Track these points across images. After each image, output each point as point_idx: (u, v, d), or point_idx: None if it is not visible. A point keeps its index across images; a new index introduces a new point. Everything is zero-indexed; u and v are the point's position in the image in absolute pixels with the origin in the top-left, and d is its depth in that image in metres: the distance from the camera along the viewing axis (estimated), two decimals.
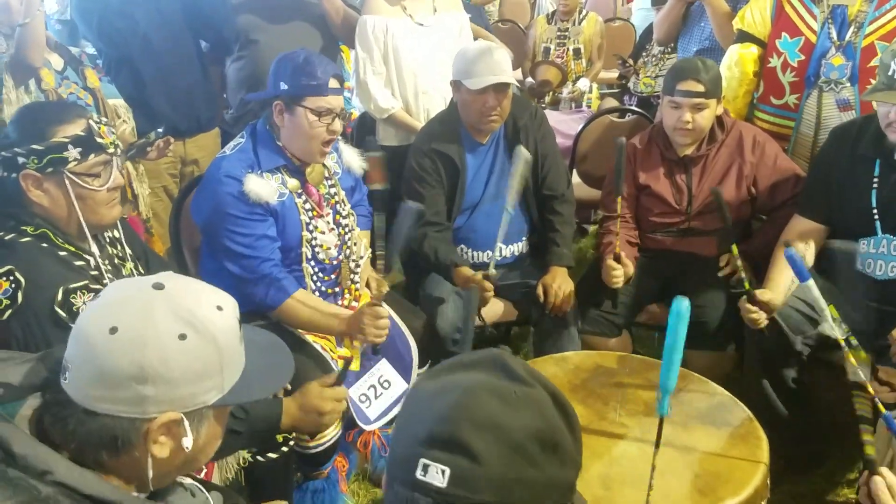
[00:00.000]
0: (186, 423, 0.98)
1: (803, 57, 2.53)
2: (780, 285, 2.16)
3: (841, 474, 2.27)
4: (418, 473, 0.77)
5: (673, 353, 1.38)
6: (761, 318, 2.11)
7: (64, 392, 0.95)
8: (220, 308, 1.02)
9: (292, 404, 1.67)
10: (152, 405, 0.95)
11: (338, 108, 2.06)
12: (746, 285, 2.12)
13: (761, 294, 2.10)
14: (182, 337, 0.96)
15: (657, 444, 1.43)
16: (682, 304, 1.37)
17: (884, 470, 1.41)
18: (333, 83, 2.04)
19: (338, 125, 2.07)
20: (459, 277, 2.39)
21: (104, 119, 1.61)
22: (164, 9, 2.78)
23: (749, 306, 2.11)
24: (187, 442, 0.99)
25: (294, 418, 1.66)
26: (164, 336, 0.95)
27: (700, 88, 2.34)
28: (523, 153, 2.28)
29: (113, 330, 0.94)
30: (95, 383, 0.94)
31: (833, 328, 1.68)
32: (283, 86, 2.02)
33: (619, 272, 2.36)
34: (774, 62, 2.61)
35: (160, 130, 2.54)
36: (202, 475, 1.72)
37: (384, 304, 2.29)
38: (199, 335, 0.97)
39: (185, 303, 0.98)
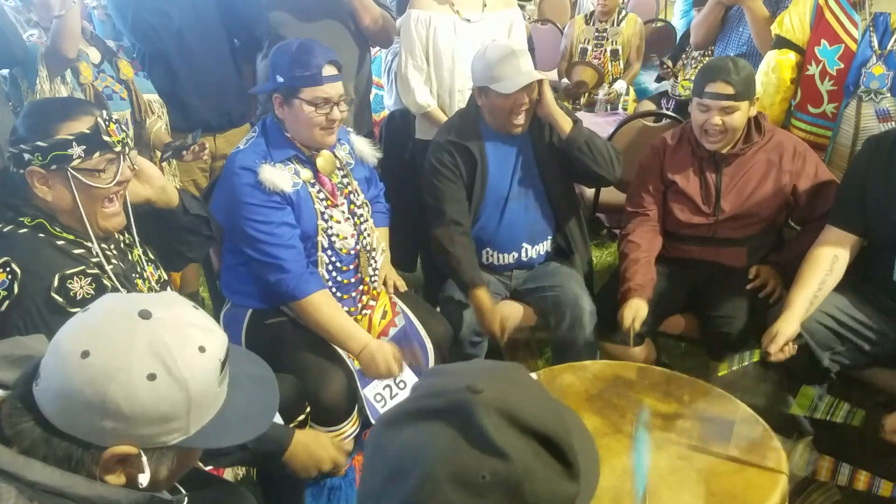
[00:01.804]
0: (144, 458, 0.96)
1: (843, 65, 2.45)
2: (798, 307, 2.11)
3: (868, 494, 2.20)
4: None
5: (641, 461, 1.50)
6: (788, 350, 2.07)
7: (32, 395, 0.94)
8: (202, 349, 0.98)
9: (301, 442, 1.69)
10: (110, 437, 0.93)
11: (335, 96, 2.06)
12: (756, 356, 2.08)
13: (775, 344, 2.06)
14: (152, 377, 0.93)
15: None
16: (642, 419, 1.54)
17: None
18: (329, 70, 2.04)
19: (336, 113, 2.07)
20: (474, 301, 2.37)
21: (115, 116, 1.60)
22: (199, 7, 2.81)
23: (771, 358, 2.07)
24: (143, 478, 0.96)
25: (295, 454, 1.67)
26: (133, 373, 0.92)
27: (730, 91, 2.28)
28: None
29: (85, 354, 0.92)
30: (59, 401, 0.92)
31: None
32: (280, 78, 2.04)
33: (637, 325, 2.32)
34: (813, 70, 2.54)
35: (198, 132, 2.57)
36: (209, 469, 1.74)
37: (401, 306, 2.30)
38: (171, 378, 0.94)
39: (165, 339, 0.95)
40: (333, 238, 2.18)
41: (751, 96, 2.35)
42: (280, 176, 2.06)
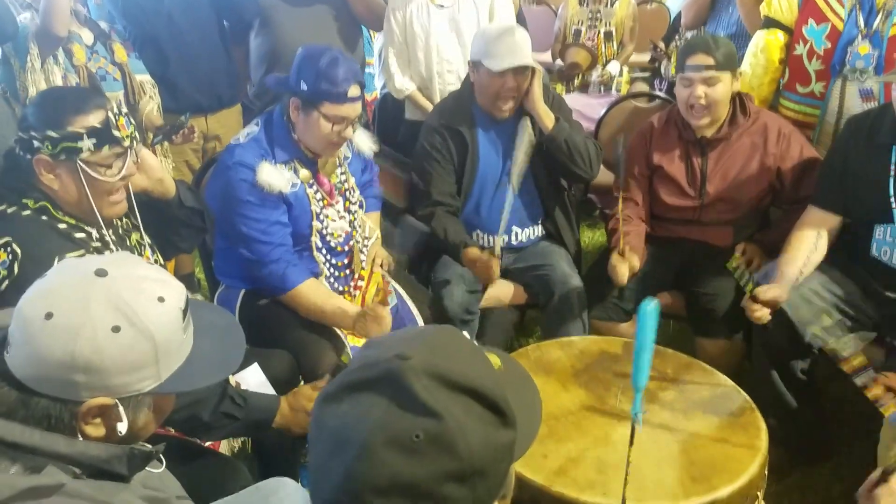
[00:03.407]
0: (121, 408, 0.99)
1: (829, 44, 2.48)
2: (788, 278, 2.14)
3: (848, 468, 2.25)
4: None
5: (642, 353, 1.38)
6: (765, 315, 2.11)
7: (5, 363, 0.97)
8: (161, 300, 1.01)
9: (285, 403, 1.73)
10: (84, 391, 0.96)
11: (353, 116, 2.06)
12: (749, 286, 2.12)
13: (764, 294, 2.10)
14: (116, 329, 0.96)
15: (630, 442, 1.41)
16: (648, 306, 1.37)
17: None
18: (354, 91, 2.03)
19: (349, 132, 2.09)
20: (467, 258, 2.40)
21: (124, 110, 1.62)
22: None
23: (753, 305, 2.11)
24: (122, 427, 0.99)
25: (285, 417, 1.71)
26: (97, 327, 0.95)
27: (710, 61, 2.30)
28: (527, 127, 2.27)
29: (48, 316, 0.94)
30: (30, 364, 0.95)
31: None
32: (303, 85, 2.02)
33: (624, 269, 2.35)
34: (800, 49, 2.57)
35: (187, 115, 2.60)
36: (209, 445, 1.78)
37: (393, 284, 2.34)
38: (134, 328, 0.97)
39: (124, 293, 0.98)
40: (328, 237, 2.21)
41: (733, 68, 2.36)
42: (278, 177, 2.06)
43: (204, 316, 1.12)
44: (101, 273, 0.98)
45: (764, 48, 2.65)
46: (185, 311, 1.05)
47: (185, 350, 1.06)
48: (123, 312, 0.97)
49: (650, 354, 1.39)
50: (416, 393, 0.74)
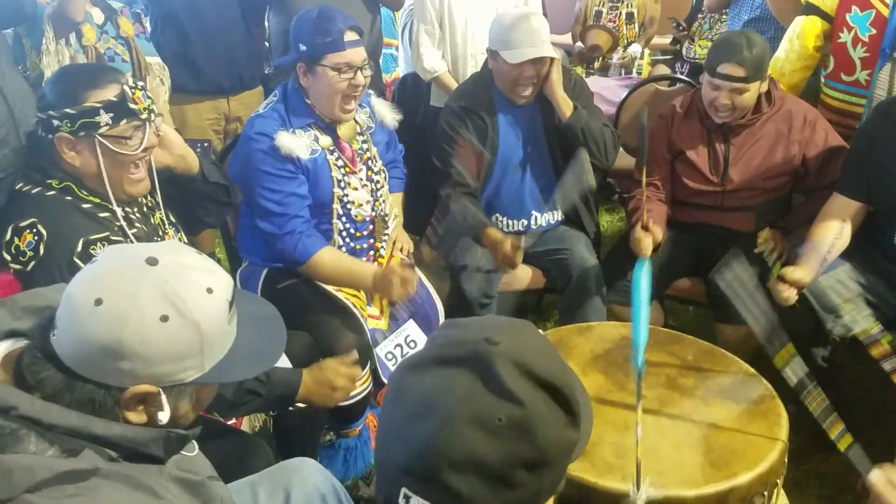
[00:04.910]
0: (164, 397, 1.00)
1: (875, 31, 2.42)
2: (812, 264, 2.13)
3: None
4: (401, 500, 0.77)
5: (639, 311, 1.49)
6: (792, 295, 2.10)
7: (51, 345, 0.98)
8: (210, 291, 1.01)
9: (308, 376, 1.73)
10: (129, 377, 0.97)
11: (358, 61, 2.07)
12: (777, 267, 2.12)
13: (791, 273, 2.09)
14: (164, 319, 0.96)
15: (637, 400, 1.45)
16: (641, 268, 1.50)
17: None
18: (350, 36, 2.05)
19: (360, 79, 2.09)
20: (488, 239, 2.40)
21: (140, 83, 1.64)
22: None
23: (780, 285, 2.10)
24: (163, 416, 1.01)
25: (308, 389, 1.72)
26: (145, 316, 0.96)
27: (741, 73, 2.27)
28: (584, 155, 2.30)
29: (98, 302, 0.95)
30: (76, 348, 0.96)
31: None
32: (302, 47, 2.06)
33: (648, 241, 2.32)
34: (845, 37, 2.51)
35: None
36: (231, 423, 1.80)
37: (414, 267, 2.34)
38: (182, 318, 0.98)
39: (173, 283, 0.98)
40: (349, 205, 2.21)
41: (762, 76, 2.33)
42: (297, 143, 2.07)
43: (246, 306, 1.13)
44: (151, 261, 0.99)
45: (800, 34, 2.59)
46: (231, 303, 1.05)
47: (229, 341, 1.06)
48: (172, 302, 0.97)
49: (645, 313, 1.48)
50: (502, 378, 0.77)
